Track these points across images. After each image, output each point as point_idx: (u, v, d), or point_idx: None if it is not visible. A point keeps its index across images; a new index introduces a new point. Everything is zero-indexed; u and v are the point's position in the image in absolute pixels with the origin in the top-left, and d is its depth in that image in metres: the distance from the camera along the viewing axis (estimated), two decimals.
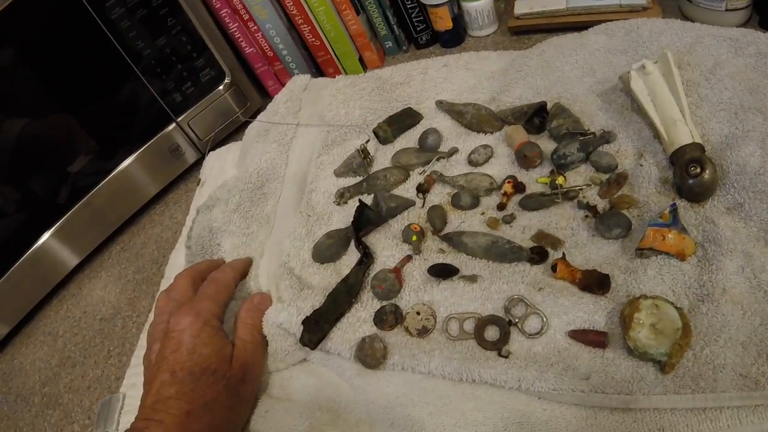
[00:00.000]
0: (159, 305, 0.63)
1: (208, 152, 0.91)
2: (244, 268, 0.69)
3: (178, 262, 0.77)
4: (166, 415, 0.51)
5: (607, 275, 0.56)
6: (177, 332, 0.56)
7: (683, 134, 0.60)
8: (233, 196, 0.74)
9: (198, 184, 0.88)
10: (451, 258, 0.63)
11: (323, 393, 0.59)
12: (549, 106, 0.72)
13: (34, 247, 0.81)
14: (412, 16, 0.95)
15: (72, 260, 0.86)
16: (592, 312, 0.54)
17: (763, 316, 0.50)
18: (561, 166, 0.66)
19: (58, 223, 0.82)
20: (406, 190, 0.72)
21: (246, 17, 0.92)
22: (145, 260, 0.86)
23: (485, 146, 0.71)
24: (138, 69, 0.83)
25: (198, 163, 0.93)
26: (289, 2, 0.90)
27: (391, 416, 0.54)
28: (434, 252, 0.64)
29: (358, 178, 0.75)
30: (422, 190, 0.70)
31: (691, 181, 0.57)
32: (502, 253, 0.60)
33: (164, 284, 0.77)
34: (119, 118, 0.85)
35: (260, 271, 0.68)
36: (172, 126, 0.89)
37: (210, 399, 0.54)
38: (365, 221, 0.67)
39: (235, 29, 0.94)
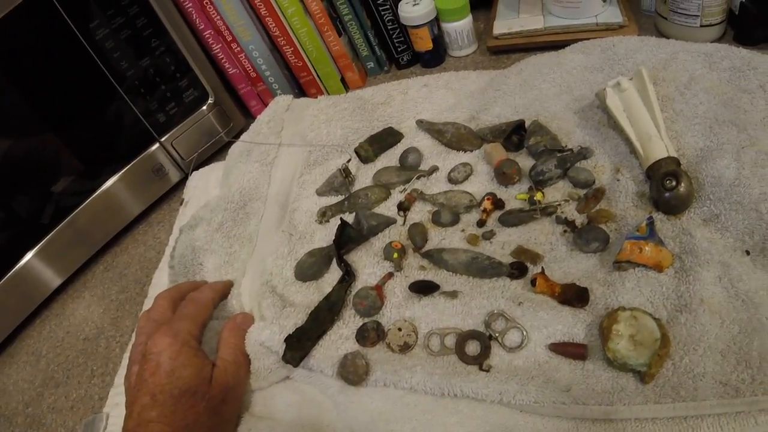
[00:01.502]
0: (139, 326, 0.63)
1: (192, 172, 0.91)
2: (224, 288, 0.69)
3: (161, 282, 0.77)
4: None
5: (586, 288, 0.56)
6: (155, 354, 0.56)
7: (659, 149, 0.61)
8: (216, 215, 0.74)
9: (181, 204, 0.88)
10: (432, 275, 0.63)
11: (306, 410, 0.59)
12: (527, 123, 0.73)
13: (17, 267, 0.80)
14: (393, 37, 0.96)
15: (55, 280, 0.86)
16: (572, 325, 0.55)
17: (741, 325, 0.50)
18: (539, 182, 0.67)
19: (41, 243, 0.82)
20: (387, 208, 0.72)
21: (229, 38, 0.93)
22: (128, 280, 0.85)
23: (465, 164, 0.72)
24: (122, 89, 0.83)
25: (181, 183, 0.93)
26: (271, 24, 0.91)
27: None
28: (415, 269, 0.65)
29: (340, 197, 0.75)
30: (403, 208, 0.71)
31: (667, 194, 0.58)
32: (482, 268, 0.61)
33: (147, 304, 0.77)
34: (103, 137, 0.85)
35: (242, 290, 0.68)
36: (156, 146, 0.90)
37: (191, 421, 0.53)
38: (347, 239, 0.68)
39: (218, 50, 0.94)
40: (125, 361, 0.71)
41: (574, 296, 0.56)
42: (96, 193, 0.86)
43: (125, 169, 0.88)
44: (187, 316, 0.62)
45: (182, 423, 0.53)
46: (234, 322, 0.64)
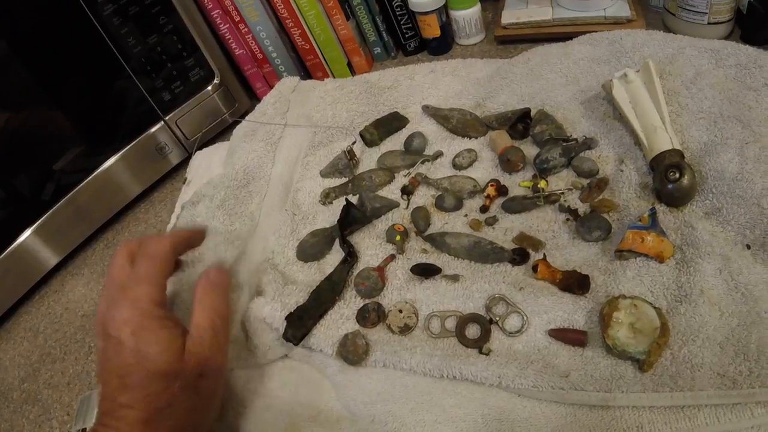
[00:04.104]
0: (103, 287, 0.56)
1: (195, 152, 0.91)
2: (190, 236, 0.60)
3: None
4: (123, 424, 0.47)
5: (587, 276, 0.56)
6: (115, 330, 0.50)
7: (663, 141, 0.61)
8: (218, 192, 0.74)
9: (184, 183, 0.88)
10: (434, 258, 0.64)
11: (304, 389, 0.59)
12: (533, 112, 0.73)
13: (16, 243, 0.80)
14: (401, 23, 0.96)
15: (54, 257, 0.85)
16: (572, 311, 0.55)
17: (740, 317, 0.51)
18: (543, 170, 0.67)
19: (41, 220, 0.82)
20: (391, 191, 0.73)
21: (237, 19, 0.93)
22: None
23: (469, 150, 0.72)
24: (128, 66, 0.83)
25: (184, 163, 0.93)
26: (280, 5, 0.90)
27: (372, 412, 0.54)
28: (417, 252, 0.65)
29: (344, 179, 0.76)
30: (407, 191, 0.71)
31: (670, 186, 0.59)
32: (484, 253, 0.61)
33: None
34: (107, 114, 0.85)
35: (240, 268, 0.68)
36: (160, 124, 0.89)
37: (166, 404, 0.48)
38: (351, 220, 0.68)
39: (225, 30, 0.94)
40: None
41: (575, 283, 0.56)
42: (98, 171, 0.86)
43: (128, 147, 0.87)
44: (143, 277, 0.53)
45: (156, 407, 0.48)
46: (207, 280, 0.56)
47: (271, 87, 0.91)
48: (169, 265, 0.55)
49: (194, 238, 0.61)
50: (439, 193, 0.70)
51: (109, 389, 0.48)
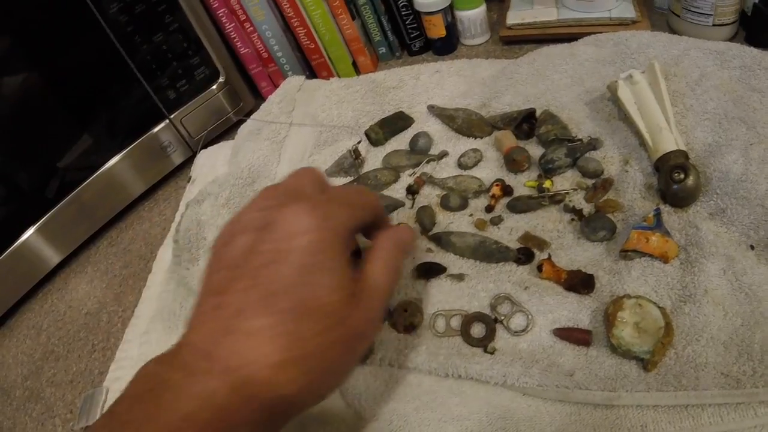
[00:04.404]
0: (259, 197, 0.44)
1: (200, 150, 0.91)
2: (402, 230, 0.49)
3: (166, 258, 0.77)
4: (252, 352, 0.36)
5: (592, 275, 0.57)
6: (285, 234, 0.38)
7: (668, 142, 0.62)
8: (223, 190, 0.74)
9: (188, 182, 0.88)
10: (439, 257, 0.64)
11: None
12: (538, 113, 0.73)
13: (19, 241, 0.80)
14: (407, 23, 0.96)
15: (57, 256, 0.85)
16: (577, 311, 0.55)
17: (744, 317, 0.51)
18: (548, 170, 0.67)
19: (44, 218, 0.82)
20: (396, 191, 0.73)
21: (243, 18, 0.93)
22: (132, 256, 0.85)
23: (475, 150, 0.72)
24: (134, 64, 0.83)
25: (188, 161, 0.93)
26: (285, 5, 0.91)
27: (376, 411, 0.54)
28: (422, 251, 0.65)
29: (349, 178, 0.76)
30: (412, 191, 0.71)
31: (675, 187, 0.59)
32: (490, 253, 0.61)
33: (151, 279, 0.77)
34: (112, 112, 0.85)
35: None
36: (165, 123, 0.90)
37: (315, 350, 0.37)
38: None
39: (231, 29, 0.94)
40: (127, 335, 0.71)
41: (579, 283, 0.56)
42: (102, 169, 0.85)
43: (133, 146, 0.87)
44: (347, 203, 0.43)
45: (301, 351, 0.36)
46: (398, 234, 0.47)
47: (276, 86, 0.91)
48: (375, 219, 0.47)
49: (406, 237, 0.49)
50: (445, 192, 0.70)
51: (232, 298, 0.37)
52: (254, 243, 0.38)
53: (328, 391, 0.41)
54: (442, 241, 0.64)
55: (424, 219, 0.67)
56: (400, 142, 0.78)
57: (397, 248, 0.46)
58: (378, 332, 0.49)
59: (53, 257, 0.85)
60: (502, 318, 0.56)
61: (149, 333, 0.68)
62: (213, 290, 0.39)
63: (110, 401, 0.63)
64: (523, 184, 0.68)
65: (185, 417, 0.34)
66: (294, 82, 0.88)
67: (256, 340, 0.36)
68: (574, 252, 0.60)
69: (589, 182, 0.66)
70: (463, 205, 0.68)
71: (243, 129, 0.86)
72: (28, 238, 0.81)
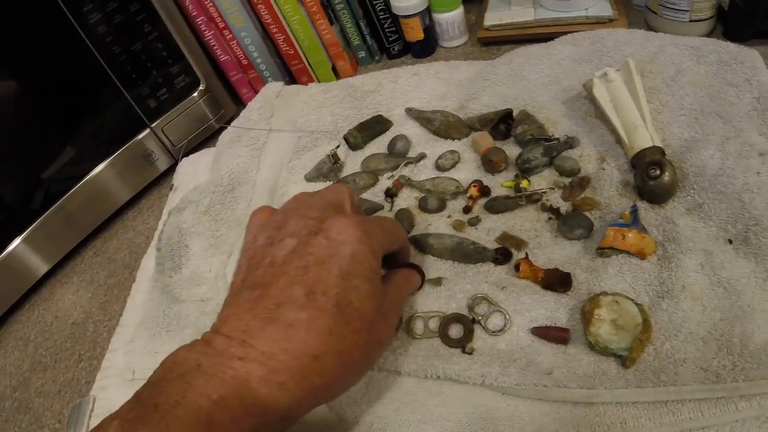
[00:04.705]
0: (293, 201, 0.49)
1: (182, 158, 0.91)
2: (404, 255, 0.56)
3: (149, 267, 0.77)
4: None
5: (569, 273, 0.57)
6: (335, 241, 0.42)
7: (644, 138, 0.62)
8: (204, 198, 0.74)
9: (171, 190, 0.88)
10: (418, 260, 0.64)
11: None
12: (515, 113, 0.74)
13: (5, 252, 0.80)
14: (385, 26, 0.97)
15: (43, 266, 0.85)
16: (554, 309, 0.55)
17: (723, 312, 0.51)
18: (525, 170, 0.68)
19: (29, 229, 0.81)
20: (375, 194, 0.73)
21: (221, 25, 0.93)
22: (117, 265, 0.85)
23: (452, 152, 0.73)
24: (114, 74, 0.83)
25: (171, 169, 0.93)
26: (264, 11, 0.91)
27: (356, 413, 0.54)
28: None
29: (329, 183, 0.76)
30: (390, 194, 0.71)
31: (651, 183, 0.59)
32: (467, 253, 0.61)
33: (135, 288, 0.77)
34: (94, 122, 0.85)
35: (227, 270, 0.68)
36: (146, 132, 0.90)
37: (346, 347, 0.41)
38: None
39: (210, 37, 0.94)
40: (113, 345, 0.71)
41: (557, 281, 0.56)
42: (86, 178, 0.85)
43: (115, 155, 0.87)
44: (384, 228, 0.49)
45: (336, 346, 0.39)
46: (409, 276, 0.55)
47: (256, 92, 0.91)
48: (398, 248, 0.54)
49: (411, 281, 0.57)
50: (423, 194, 0.70)
51: (276, 290, 0.40)
52: (301, 246, 0.42)
53: (343, 390, 0.45)
54: (420, 243, 0.64)
55: (403, 221, 0.67)
56: (379, 145, 0.79)
57: (408, 285, 0.54)
58: (390, 345, 0.52)
59: (40, 267, 0.85)
60: (480, 318, 0.56)
61: (134, 341, 0.68)
62: (255, 284, 0.42)
63: (97, 410, 0.64)
64: (500, 184, 0.68)
65: (217, 401, 0.36)
66: (273, 89, 0.88)
67: (296, 331, 0.39)
68: (551, 251, 0.61)
69: (566, 181, 0.66)
70: (441, 207, 0.68)
71: (224, 136, 0.86)
72: (14, 248, 0.81)
